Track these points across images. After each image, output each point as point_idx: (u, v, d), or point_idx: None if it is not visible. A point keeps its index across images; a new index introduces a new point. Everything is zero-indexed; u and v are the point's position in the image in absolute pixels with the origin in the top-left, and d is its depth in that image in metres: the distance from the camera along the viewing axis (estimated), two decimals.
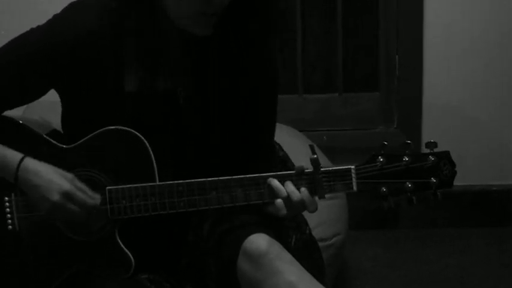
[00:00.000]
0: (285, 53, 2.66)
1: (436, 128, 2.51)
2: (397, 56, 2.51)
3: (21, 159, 1.37)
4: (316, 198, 1.33)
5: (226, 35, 1.36)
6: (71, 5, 1.38)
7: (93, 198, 1.36)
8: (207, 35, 1.33)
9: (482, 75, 2.48)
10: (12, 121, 1.45)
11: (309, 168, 1.33)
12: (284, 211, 1.32)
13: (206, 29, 1.32)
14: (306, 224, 1.58)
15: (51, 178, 1.35)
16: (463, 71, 2.48)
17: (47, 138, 1.42)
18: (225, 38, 1.36)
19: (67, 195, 1.34)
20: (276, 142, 1.70)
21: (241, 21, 1.35)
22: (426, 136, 2.52)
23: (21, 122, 1.44)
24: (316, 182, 1.32)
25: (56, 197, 1.34)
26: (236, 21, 1.35)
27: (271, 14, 1.37)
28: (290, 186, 1.32)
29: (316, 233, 1.74)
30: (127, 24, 1.33)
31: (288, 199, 1.31)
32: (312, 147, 1.32)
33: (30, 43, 1.38)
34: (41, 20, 1.40)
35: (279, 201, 1.32)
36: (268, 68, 1.45)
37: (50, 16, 1.39)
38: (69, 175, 1.37)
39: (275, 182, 1.32)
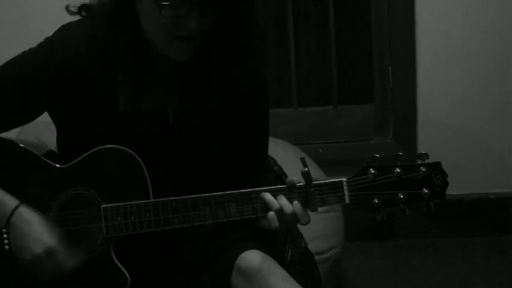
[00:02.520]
0: (279, 66, 2.67)
1: (432, 137, 2.51)
2: (390, 67, 2.52)
3: (17, 206, 1.38)
4: (309, 210, 1.34)
5: (209, 55, 1.36)
6: (62, 27, 1.40)
7: (72, 260, 1.37)
8: (183, 60, 1.33)
9: (476, 85, 2.47)
10: (7, 142, 1.45)
11: (302, 182, 1.34)
12: (276, 223, 1.32)
13: (183, 54, 1.33)
14: (302, 237, 1.59)
15: (41, 231, 1.37)
16: (456, 80, 2.48)
17: (43, 158, 1.43)
18: (208, 59, 1.36)
19: (50, 253, 1.35)
20: (270, 157, 1.71)
21: (222, 42, 1.34)
22: (422, 146, 2.52)
23: (18, 143, 1.45)
24: (308, 195, 1.33)
25: (39, 250, 1.35)
26: (217, 42, 1.34)
27: (253, 32, 1.37)
28: (283, 200, 1.33)
29: (313, 246, 1.74)
30: (114, 45, 1.34)
31: (280, 212, 1.32)
32: (303, 161, 1.33)
33: (22, 65, 1.39)
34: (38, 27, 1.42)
35: (271, 213, 1.32)
36: (255, 85, 1.45)
37: (44, 25, 1.41)
38: (59, 232, 1.38)
39: (268, 196, 1.33)
